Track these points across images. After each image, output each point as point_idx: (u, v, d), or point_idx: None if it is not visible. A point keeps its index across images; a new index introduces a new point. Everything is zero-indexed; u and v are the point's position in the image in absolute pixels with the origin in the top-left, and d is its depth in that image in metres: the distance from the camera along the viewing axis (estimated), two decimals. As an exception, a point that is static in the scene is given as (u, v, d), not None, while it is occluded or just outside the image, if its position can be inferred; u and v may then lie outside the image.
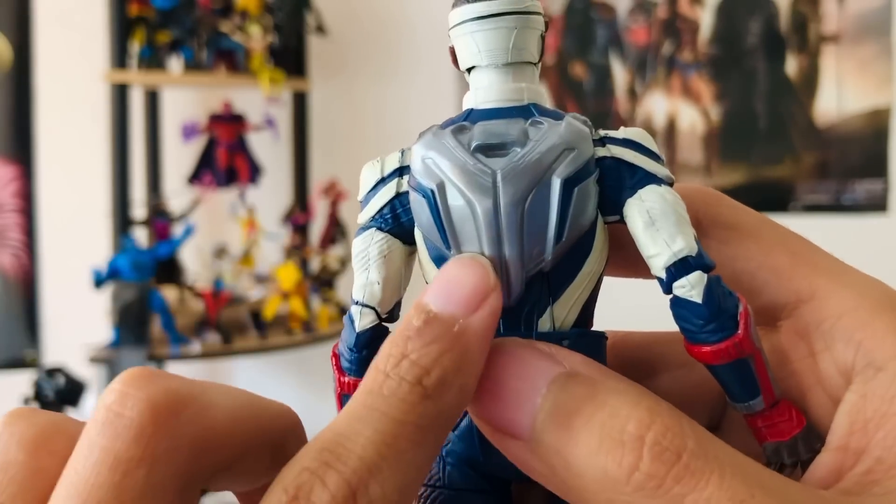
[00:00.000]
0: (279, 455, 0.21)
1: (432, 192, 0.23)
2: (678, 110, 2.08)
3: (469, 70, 0.24)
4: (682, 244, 0.23)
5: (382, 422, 0.20)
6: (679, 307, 0.23)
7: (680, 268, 0.22)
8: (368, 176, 0.24)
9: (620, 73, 2.13)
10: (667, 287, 0.23)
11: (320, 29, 2.01)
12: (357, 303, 0.24)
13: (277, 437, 0.23)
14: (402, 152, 0.24)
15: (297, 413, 0.24)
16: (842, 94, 1.97)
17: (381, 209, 0.24)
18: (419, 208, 0.23)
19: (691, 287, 0.22)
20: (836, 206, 1.99)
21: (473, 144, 0.23)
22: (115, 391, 0.20)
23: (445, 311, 0.21)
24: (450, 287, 0.21)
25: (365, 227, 0.24)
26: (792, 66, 2.01)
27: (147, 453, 0.19)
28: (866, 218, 1.97)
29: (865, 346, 0.22)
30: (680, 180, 0.26)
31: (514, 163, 0.22)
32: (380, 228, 0.24)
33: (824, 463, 0.22)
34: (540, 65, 0.25)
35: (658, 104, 2.09)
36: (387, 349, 0.21)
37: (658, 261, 0.23)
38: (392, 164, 0.24)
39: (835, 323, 0.23)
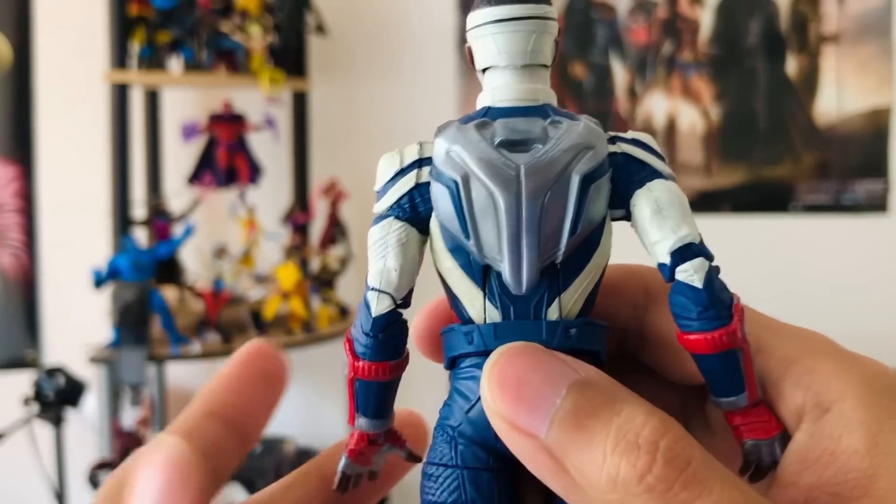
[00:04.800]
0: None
1: (456, 183, 0.23)
2: (678, 110, 2.08)
3: (484, 70, 0.25)
4: (687, 231, 0.24)
5: None
6: (679, 294, 0.24)
7: (684, 252, 0.23)
8: (386, 167, 0.25)
9: (620, 73, 2.13)
10: (670, 272, 0.24)
11: (320, 29, 2.01)
12: (373, 289, 0.25)
13: None
14: (421, 145, 0.25)
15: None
16: (842, 94, 1.97)
17: (400, 199, 0.25)
18: (441, 198, 0.24)
19: (694, 272, 0.23)
20: (836, 206, 1.98)
21: (497, 140, 0.24)
22: None
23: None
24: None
25: (382, 216, 0.25)
26: (792, 66, 2.01)
27: None
28: (866, 218, 1.97)
29: (813, 389, 0.24)
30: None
31: (537, 158, 0.23)
32: (397, 217, 0.25)
33: (775, 497, 0.24)
34: (551, 67, 0.26)
35: (658, 104, 2.09)
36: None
37: (663, 246, 0.24)
38: (411, 155, 0.25)
39: (784, 371, 0.25)
